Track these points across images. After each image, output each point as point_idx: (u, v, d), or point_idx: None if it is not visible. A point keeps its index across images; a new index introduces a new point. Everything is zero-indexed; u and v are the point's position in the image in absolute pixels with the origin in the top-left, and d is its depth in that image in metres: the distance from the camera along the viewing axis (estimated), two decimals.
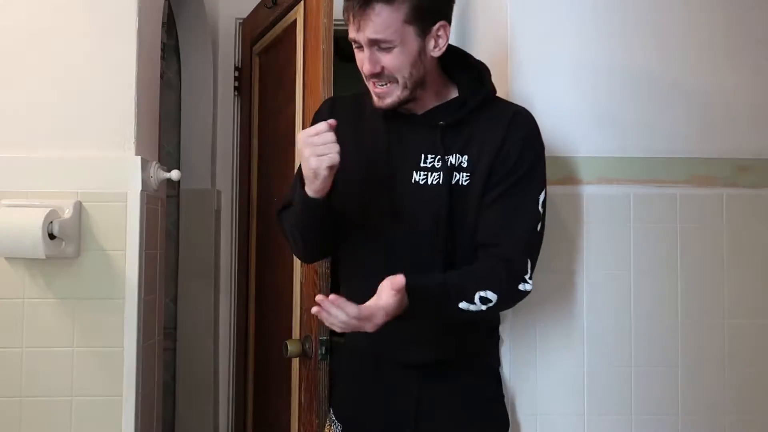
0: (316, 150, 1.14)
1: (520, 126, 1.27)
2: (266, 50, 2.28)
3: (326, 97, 1.61)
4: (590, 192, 1.49)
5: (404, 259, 1.25)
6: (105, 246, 1.54)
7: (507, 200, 1.24)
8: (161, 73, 1.94)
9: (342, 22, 1.31)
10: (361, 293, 1.14)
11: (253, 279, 2.39)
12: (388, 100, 1.25)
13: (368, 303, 1.10)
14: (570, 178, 1.49)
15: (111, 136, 1.57)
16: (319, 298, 1.09)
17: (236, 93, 2.53)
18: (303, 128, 1.79)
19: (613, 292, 1.48)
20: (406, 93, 1.25)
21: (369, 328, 1.10)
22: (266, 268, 2.26)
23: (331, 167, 1.14)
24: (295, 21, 1.92)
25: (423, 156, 1.26)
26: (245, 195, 2.45)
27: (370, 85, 1.26)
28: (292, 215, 1.31)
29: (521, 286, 1.23)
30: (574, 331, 1.47)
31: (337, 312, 1.07)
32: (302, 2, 1.86)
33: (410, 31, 1.20)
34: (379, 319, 1.10)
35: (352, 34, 1.21)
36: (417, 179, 1.26)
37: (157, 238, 1.71)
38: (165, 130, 2.42)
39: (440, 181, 1.25)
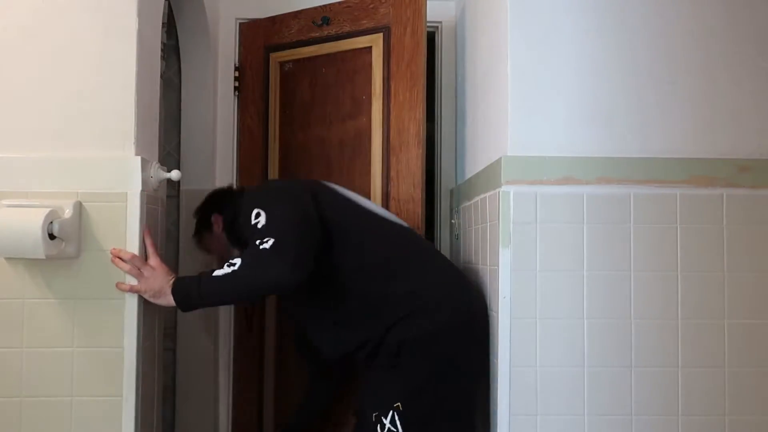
0: None
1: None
2: (301, 62, 2.40)
3: (423, 116, 2.15)
4: (590, 192, 1.49)
5: None
6: (105, 246, 1.54)
7: None
8: (161, 73, 1.94)
9: None
10: None
11: None
12: None
13: None
14: (570, 178, 1.49)
15: (111, 136, 1.57)
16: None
17: (236, 93, 2.53)
18: (382, 138, 2.23)
19: (614, 292, 1.48)
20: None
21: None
22: None
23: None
24: (369, 47, 2.26)
25: None
26: None
27: None
28: None
29: (262, 246, 1.49)
30: (574, 331, 1.48)
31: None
32: (381, 34, 2.21)
33: (207, 236, 1.92)
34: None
35: None
36: None
37: (157, 238, 1.71)
38: (165, 130, 2.42)
39: None
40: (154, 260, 1.55)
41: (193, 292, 1.52)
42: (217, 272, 1.51)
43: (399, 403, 1.53)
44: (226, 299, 1.70)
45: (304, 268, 1.49)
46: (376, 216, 1.74)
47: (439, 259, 1.74)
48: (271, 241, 1.48)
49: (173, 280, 1.55)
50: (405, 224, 1.78)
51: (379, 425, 1.54)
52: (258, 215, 1.56)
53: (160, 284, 1.52)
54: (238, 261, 1.50)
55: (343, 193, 1.77)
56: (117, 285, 1.51)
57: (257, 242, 1.50)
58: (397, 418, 1.52)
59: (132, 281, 1.52)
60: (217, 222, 1.86)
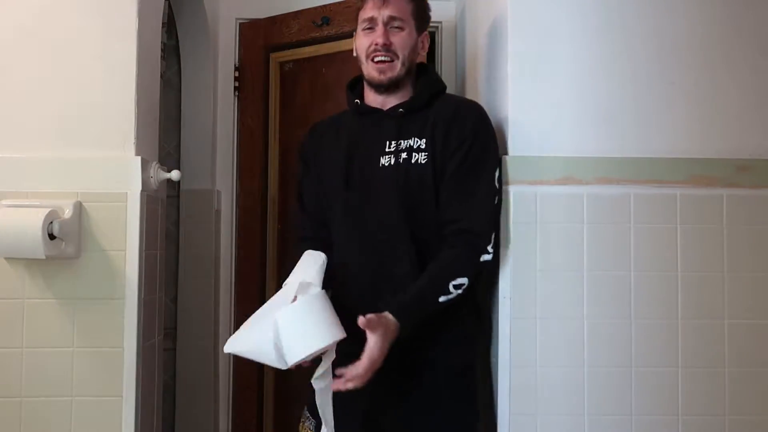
0: None
1: (468, 112, 1.50)
2: (301, 62, 2.42)
3: None
4: (590, 192, 1.49)
5: (374, 234, 1.46)
6: (105, 246, 1.54)
7: (465, 177, 1.43)
8: (161, 73, 1.94)
9: None
10: (342, 272, 1.48)
11: (274, 279, 2.45)
12: (389, 73, 1.49)
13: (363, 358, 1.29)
14: (570, 178, 1.49)
15: (111, 136, 1.57)
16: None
17: (236, 93, 2.53)
18: None
19: (613, 292, 1.48)
20: (403, 71, 1.50)
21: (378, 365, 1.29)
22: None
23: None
24: None
25: (387, 143, 1.49)
26: (257, 196, 2.48)
27: (371, 65, 1.50)
28: None
29: (483, 257, 1.41)
30: (574, 331, 1.47)
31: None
32: None
33: (413, 24, 1.53)
34: (377, 356, 1.28)
35: (372, 13, 1.50)
36: (383, 163, 1.48)
37: (157, 238, 1.71)
38: (165, 130, 2.42)
39: (400, 161, 1.46)
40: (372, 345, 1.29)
41: (417, 323, 1.36)
42: (443, 299, 1.37)
43: None
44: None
45: None
46: None
47: None
48: (488, 253, 1.41)
49: (396, 328, 1.32)
50: None
51: None
52: (498, 176, 1.46)
53: (384, 349, 1.30)
54: (465, 281, 1.38)
55: None
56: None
57: (484, 242, 1.40)
58: None
59: None
60: (425, 41, 1.59)
